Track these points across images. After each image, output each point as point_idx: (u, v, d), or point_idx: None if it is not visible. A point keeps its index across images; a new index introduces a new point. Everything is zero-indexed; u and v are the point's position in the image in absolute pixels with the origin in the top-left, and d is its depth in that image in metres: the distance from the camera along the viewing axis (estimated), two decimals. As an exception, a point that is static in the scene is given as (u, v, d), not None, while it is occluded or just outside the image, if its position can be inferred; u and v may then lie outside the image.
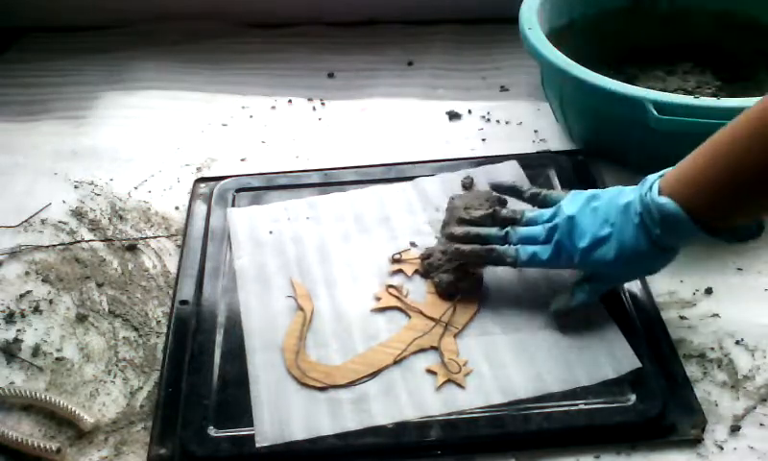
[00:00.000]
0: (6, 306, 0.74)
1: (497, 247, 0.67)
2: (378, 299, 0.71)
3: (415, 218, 0.79)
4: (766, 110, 0.54)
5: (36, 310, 0.74)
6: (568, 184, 0.81)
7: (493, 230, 0.69)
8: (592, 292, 0.66)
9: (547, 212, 0.68)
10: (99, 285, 0.76)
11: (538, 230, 0.67)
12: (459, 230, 0.70)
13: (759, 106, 0.55)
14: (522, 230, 0.68)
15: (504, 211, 0.71)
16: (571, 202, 0.66)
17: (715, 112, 0.71)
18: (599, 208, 0.64)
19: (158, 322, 0.72)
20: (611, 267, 0.63)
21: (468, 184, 0.82)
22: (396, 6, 1.15)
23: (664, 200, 0.59)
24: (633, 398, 0.61)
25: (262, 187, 0.85)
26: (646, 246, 0.61)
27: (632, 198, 0.62)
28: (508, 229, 0.68)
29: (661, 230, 0.60)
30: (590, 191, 0.67)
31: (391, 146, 0.93)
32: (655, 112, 0.72)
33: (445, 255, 0.72)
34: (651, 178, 0.62)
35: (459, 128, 0.96)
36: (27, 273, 0.78)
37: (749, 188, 0.56)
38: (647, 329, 0.67)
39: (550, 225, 0.66)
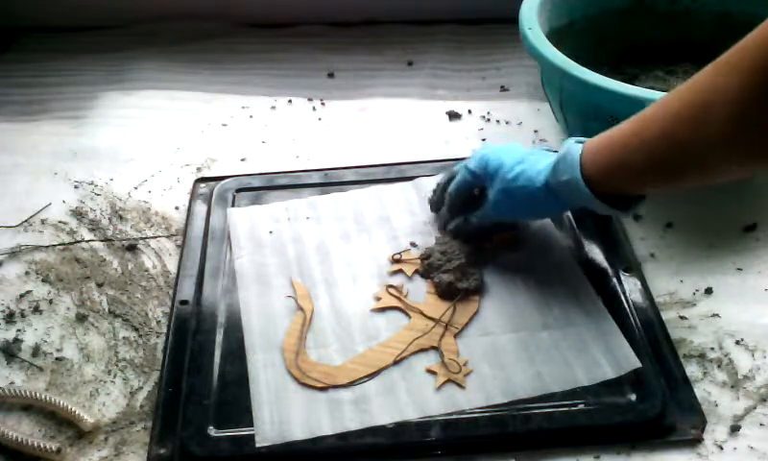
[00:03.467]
0: (6, 306, 0.74)
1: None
2: (378, 299, 0.71)
3: (415, 218, 0.79)
4: (676, 92, 0.56)
5: (36, 310, 0.74)
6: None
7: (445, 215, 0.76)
8: (484, 215, 0.71)
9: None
10: (99, 285, 0.76)
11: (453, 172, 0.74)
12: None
13: (677, 87, 0.56)
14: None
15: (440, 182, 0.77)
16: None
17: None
18: (525, 149, 0.70)
19: (158, 322, 0.72)
20: (505, 184, 0.68)
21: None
22: (396, 6, 1.15)
23: (572, 142, 0.63)
24: (633, 398, 0.62)
25: (262, 187, 0.85)
26: (542, 179, 0.65)
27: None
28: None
29: (554, 166, 0.64)
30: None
31: (391, 146, 0.93)
32: (655, 112, 0.72)
33: (445, 256, 0.72)
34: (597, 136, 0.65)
35: (459, 128, 0.96)
36: (27, 273, 0.78)
37: (640, 158, 0.58)
38: (647, 329, 0.67)
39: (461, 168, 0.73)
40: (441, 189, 0.77)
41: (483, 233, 0.74)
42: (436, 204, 0.78)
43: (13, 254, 0.80)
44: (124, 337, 0.71)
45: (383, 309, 0.70)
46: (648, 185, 0.62)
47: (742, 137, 0.51)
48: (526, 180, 0.67)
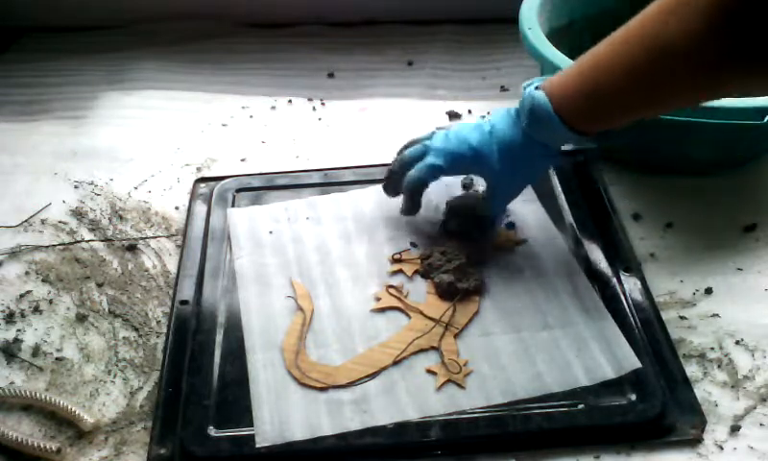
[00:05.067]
0: (6, 306, 0.74)
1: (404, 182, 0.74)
2: (378, 299, 0.71)
3: (415, 218, 0.79)
4: (636, 23, 0.58)
5: (36, 310, 0.74)
6: (568, 184, 0.81)
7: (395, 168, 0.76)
8: (495, 206, 0.73)
9: (419, 144, 0.74)
10: (99, 285, 0.76)
11: (417, 148, 0.74)
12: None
13: (634, 19, 0.58)
14: (406, 153, 0.74)
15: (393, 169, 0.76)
16: (444, 129, 0.73)
17: (715, 112, 0.71)
18: (477, 121, 0.71)
19: (158, 322, 0.72)
20: (494, 163, 0.68)
21: (467, 184, 0.82)
22: (396, 6, 1.15)
23: (535, 92, 0.63)
24: (633, 398, 0.62)
25: (262, 187, 0.85)
26: (521, 137, 0.66)
27: (512, 107, 0.68)
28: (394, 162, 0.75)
29: (529, 121, 0.65)
30: None
31: (391, 146, 0.92)
32: (655, 112, 0.72)
33: (445, 256, 0.72)
34: (535, 79, 0.66)
35: (459, 128, 0.96)
36: (27, 273, 0.78)
37: (607, 92, 0.60)
38: (647, 329, 0.67)
39: (424, 143, 0.73)
40: (395, 175, 0.75)
41: (483, 233, 0.74)
42: (391, 187, 0.77)
43: (13, 254, 0.80)
44: (124, 337, 0.71)
45: (383, 309, 0.70)
46: (619, 119, 0.63)
47: (712, 45, 0.53)
48: (509, 146, 0.67)
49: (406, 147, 0.76)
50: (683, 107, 0.62)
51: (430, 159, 0.71)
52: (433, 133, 0.74)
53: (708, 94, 0.59)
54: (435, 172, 0.72)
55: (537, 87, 0.65)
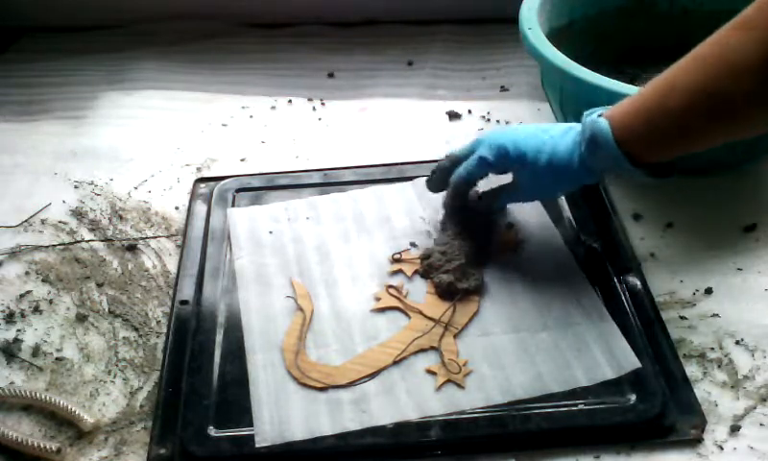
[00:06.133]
0: (6, 306, 0.74)
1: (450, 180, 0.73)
2: (378, 299, 0.71)
3: (414, 218, 0.79)
4: (702, 48, 0.58)
5: (36, 310, 0.74)
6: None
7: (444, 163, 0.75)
8: (510, 198, 0.73)
9: (468, 144, 0.73)
10: (99, 285, 0.76)
11: (465, 152, 0.72)
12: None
13: (699, 45, 0.58)
14: (455, 150, 0.74)
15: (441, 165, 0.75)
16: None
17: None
18: (534, 125, 0.70)
19: (158, 322, 0.72)
20: (539, 172, 0.67)
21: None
22: (396, 6, 1.15)
23: (598, 120, 0.62)
24: (633, 398, 0.62)
25: (262, 187, 0.85)
26: (576, 160, 0.65)
27: (576, 124, 0.66)
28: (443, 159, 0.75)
29: (588, 148, 0.63)
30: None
31: (391, 146, 0.93)
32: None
33: (445, 256, 0.72)
34: (598, 108, 0.65)
35: (459, 128, 0.96)
36: (27, 273, 0.78)
37: (673, 120, 0.59)
38: (647, 329, 0.67)
39: (474, 140, 0.72)
40: (442, 172, 0.75)
41: (483, 233, 0.74)
42: (436, 183, 0.76)
43: (13, 254, 0.80)
44: (124, 337, 0.71)
45: (383, 309, 0.70)
46: (686, 147, 0.62)
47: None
48: (560, 164, 0.66)
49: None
50: (743, 137, 0.61)
51: (479, 152, 0.70)
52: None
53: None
54: (483, 166, 0.70)
55: (599, 115, 0.63)
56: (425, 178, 0.78)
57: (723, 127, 0.58)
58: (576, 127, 0.66)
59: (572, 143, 0.66)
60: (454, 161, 0.73)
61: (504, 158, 0.69)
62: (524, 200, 0.74)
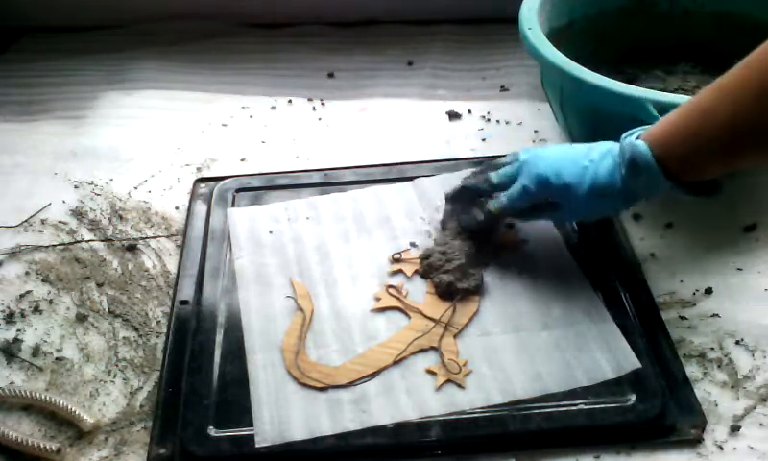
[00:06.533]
0: (6, 306, 0.74)
1: (487, 202, 0.72)
2: (378, 299, 0.71)
3: (415, 218, 0.79)
4: (739, 70, 0.56)
5: (36, 310, 0.74)
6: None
7: (480, 180, 0.74)
8: (550, 218, 0.73)
9: (509, 166, 0.72)
10: (99, 285, 0.76)
11: (510, 169, 0.71)
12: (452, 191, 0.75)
13: (736, 67, 0.57)
14: (500, 172, 0.72)
15: (482, 190, 0.74)
16: (531, 150, 0.71)
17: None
18: (573, 148, 0.69)
19: (158, 322, 0.72)
20: (579, 198, 0.66)
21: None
22: (396, 6, 1.15)
23: (637, 142, 0.61)
24: (633, 398, 0.61)
25: (262, 187, 0.85)
26: (617, 184, 0.64)
27: (617, 144, 0.65)
28: (491, 174, 0.73)
29: (628, 171, 0.63)
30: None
31: (391, 146, 0.93)
32: (655, 112, 0.72)
33: (445, 256, 0.72)
34: (636, 129, 0.64)
35: (459, 128, 0.96)
36: (27, 273, 0.78)
37: (712, 142, 0.58)
38: (647, 329, 0.67)
39: (516, 164, 0.71)
40: (470, 191, 0.74)
41: (483, 233, 0.74)
42: (462, 202, 0.75)
43: (13, 254, 0.80)
44: (124, 337, 0.71)
45: (383, 309, 0.70)
46: (730, 166, 0.61)
47: None
48: (602, 191, 0.65)
49: (484, 170, 0.74)
50: None
51: (522, 181, 0.69)
52: (516, 155, 0.72)
53: None
54: (528, 196, 0.69)
55: (638, 137, 0.62)
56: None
57: (763, 154, 0.58)
58: (614, 149, 0.65)
59: (613, 167, 0.64)
60: (495, 186, 0.72)
61: (547, 189, 0.67)
62: (563, 221, 0.75)
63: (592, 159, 0.66)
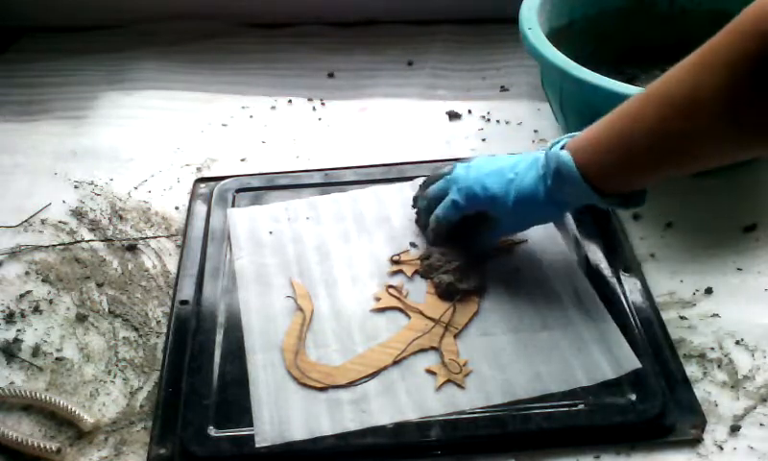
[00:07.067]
0: (6, 306, 0.74)
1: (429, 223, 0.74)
2: (378, 299, 0.71)
3: (414, 218, 0.79)
4: (661, 83, 0.57)
5: (36, 310, 0.74)
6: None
7: (424, 205, 0.75)
8: (487, 239, 0.72)
9: (440, 180, 0.73)
10: (99, 285, 0.76)
11: (439, 185, 0.73)
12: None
13: (659, 79, 0.58)
14: (430, 190, 0.74)
15: (419, 203, 0.77)
16: (466, 162, 0.72)
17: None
18: (506, 159, 0.70)
19: (158, 322, 0.72)
20: (508, 209, 0.66)
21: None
22: (395, 6, 1.15)
23: (562, 153, 0.62)
24: (633, 398, 0.62)
25: (262, 187, 0.85)
26: (543, 195, 0.64)
27: (541, 153, 0.66)
28: (419, 198, 0.76)
29: (553, 181, 0.63)
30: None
31: (391, 146, 0.93)
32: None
33: (445, 256, 0.72)
34: (563, 137, 0.65)
35: (459, 128, 0.96)
36: (27, 273, 0.78)
37: (636, 154, 0.59)
38: (647, 329, 0.67)
39: (447, 179, 0.72)
40: (422, 211, 0.76)
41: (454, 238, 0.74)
42: (422, 221, 0.77)
43: (13, 254, 0.80)
44: (124, 337, 0.71)
45: (383, 309, 0.70)
46: (649, 179, 0.62)
47: (732, 128, 0.53)
48: (527, 201, 0.66)
49: (428, 182, 0.75)
50: (708, 166, 0.60)
51: (452, 195, 0.70)
52: (454, 166, 0.73)
53: (733, 152, 0.58)
54: (458, 210, 0.70)
55: (563, 147, 0.63)
56: (423, 178, 0.78)
57: (686, 163, 0.58)
58: (541, 159, 0.66)
59: (536, 178, 0.65)
60: (430, 204, 0.74)
61: (475, 200, 0.69)
62: (506, 234, 0.74)
63: (518, 172, 0.67)
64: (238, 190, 0.84)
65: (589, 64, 0.78)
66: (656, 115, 0.57)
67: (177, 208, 0.85)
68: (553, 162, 0.63)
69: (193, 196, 0.85)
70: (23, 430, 0.63)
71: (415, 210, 0.78)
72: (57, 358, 0.69)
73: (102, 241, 0.81)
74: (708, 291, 0.72)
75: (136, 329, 0.71)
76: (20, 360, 0.69)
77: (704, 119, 0.54)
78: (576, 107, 0.86)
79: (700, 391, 0.64)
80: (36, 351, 0.70)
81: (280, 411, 0.62)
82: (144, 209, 0.85)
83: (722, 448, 0.60)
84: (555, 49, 0.80)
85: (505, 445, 0.60)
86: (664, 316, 0.69)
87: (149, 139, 0.95)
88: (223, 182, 0.85)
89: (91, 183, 0.89)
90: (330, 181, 0.85)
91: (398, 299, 0.71)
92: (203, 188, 0.86)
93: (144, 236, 0.81)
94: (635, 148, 0.59)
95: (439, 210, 0.72)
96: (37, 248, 0.80)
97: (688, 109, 0.54)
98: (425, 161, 0.88)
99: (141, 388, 0.66)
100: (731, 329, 0.69)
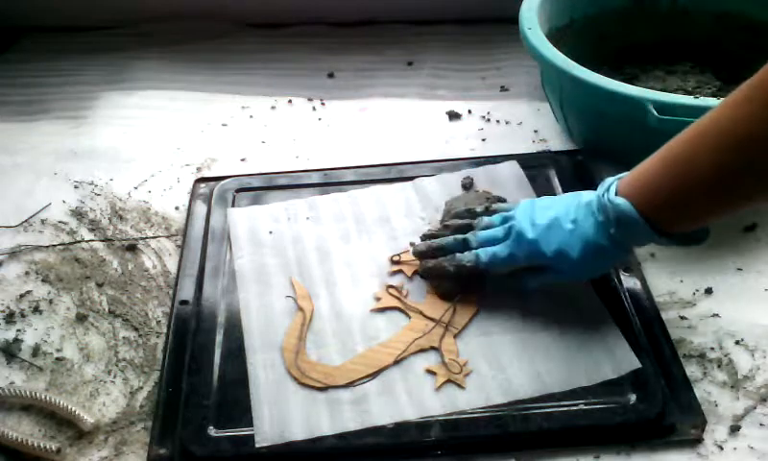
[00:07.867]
0: (6, 306, 0.74)
1: (457, 255, 0.69)
2: (378, 299, 0.71)
3: (415, 218, 0.79)
4: (713, 121, 0.55)
5: (36, 310, 0.74)
6: (568, 184, 0.81)
7: (450, 240, 0.70)
8: (546, 282, 0.67)
9: (503, 214, 0.69)
10: (99, 285, 0.76)
11: (497, 231, 0.68)
12: (421, 245, 0.72)
13: (708, 115, 0.56)
14: (482, 234, 0.69)
15: (459, 221, 0.72)
16: (526, 203, 0.68)
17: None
18: (557, 205, 0.66)
19: (158, 322, 0.72)
20: (574, 263, 0.64)
21: (467, 185, 0.82)
22: (396, 6, 1.15)
23: (619, 200, 0.60)
24: (633, 398, 0.62)
25: (262, 187, 0.85)
26: (607, 243, 0.62)
27: (592, 198, 0.64)
28: (468, 235, 0.69)
29: (617, 228, 0.61)
30: (544, 197, 0.69)
31: (391, 146, 0.93)
32: (655, 112, 0.72)
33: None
34: (609, 179, 0.63)
35: (459, 128, 0.96)
36: (27, 273, 0.78)
37: (697, 194, 0.57)
38: (647, 329, 0.67)
39: (508, 224, 0.67)
40: (446, 248, 0.70)
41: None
42: (429, 254, 0.71)
43: (13, 254, 0.80)
44: (124, 337, 0.71)
45: (383, 309, 0.70)
46: (714, 218, 0.60)
47: None
48: (594, 251, 0.63)
49: (460, 215, 0.73)
50: None
51: (510, 249, 0.66)
52: (508, 216, 0.69)
53: None
54: (511, 263, 0.67)
55: (616, 193, 0.61)
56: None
57: (751, 199, 0.58)
58: (592, 203, 0.63)
59: (596, 226, 0.63)
60: (480, 243, 0.69)
61: (537, 257, 0.65)
62: (562, 281, 0.69)
63: (573, 219, 0.64)
64: (238, 190, 0.84)
65: (589, 64, 0.78)
66: (712, 157, 0.55)
67: (177, 208, 0.85)
68: (612, 211, 0.61)
69: (193, 196, 0.85)
70: (23, 430, 0.63)
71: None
72: (57, 358, 0.69)
73: (102, 241, 0.81)
74: (708, 291, 0.72)
75: (136, 329, 0.71)
76: (20, 360, 0.69)
77: (763, 154, 0.52)
78: (576, 107, 0.86)
79: (700, 391, 0.64)
80: (36, 351, 0.70)
81: (280, 411, 0.62)
82: (144, 209, 0.85)
83: (722, 449, 0.60)
84: (555, 49, 0.80)
85: (505, 445, 0.60)
86: (664, 316, 0.69)
87: (149, 139, 0.95)
88: (223, 182, 0.85)
89: (91, 183, 0.89)
90: (330, 182, 0.85)
91: (398, 299, 0.71)
92: (203, 188, 0.86)
93: (144, 236, 0.81)
94: (694, 192, 0.57)
95: (485, 257, 0.67)
96: (37, 248, 0.80)
97: (746, 147, 0.53)
98: (425, 161, 0.88)
99: (141, 388, 0.66)
100: (731, 329, 0.69)
